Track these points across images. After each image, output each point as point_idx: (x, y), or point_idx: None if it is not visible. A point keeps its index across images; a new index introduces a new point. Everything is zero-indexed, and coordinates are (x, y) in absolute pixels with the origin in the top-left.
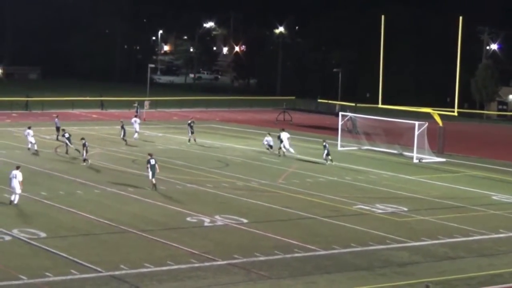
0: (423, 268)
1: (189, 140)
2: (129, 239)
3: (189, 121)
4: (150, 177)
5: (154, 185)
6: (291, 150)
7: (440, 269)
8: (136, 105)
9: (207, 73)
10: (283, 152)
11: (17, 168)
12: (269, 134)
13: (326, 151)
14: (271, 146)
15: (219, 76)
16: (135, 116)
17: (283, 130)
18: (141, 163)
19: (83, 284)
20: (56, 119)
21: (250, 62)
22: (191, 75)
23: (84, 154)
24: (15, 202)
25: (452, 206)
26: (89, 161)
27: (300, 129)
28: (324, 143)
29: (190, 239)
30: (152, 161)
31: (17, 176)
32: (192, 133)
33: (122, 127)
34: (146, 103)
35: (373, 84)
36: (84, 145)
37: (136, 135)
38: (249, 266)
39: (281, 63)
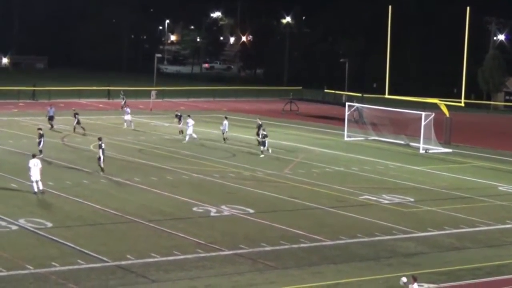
0: (429, 259)
1: (182, 132)
2: (136, 229)
3: (177, 112)
4: (102, 160)
5: (102, 168)
6: (194, 135)
7: (446, 260)
8: (122, 94)
9: (219, 63)
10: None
11: (34, 156)
12: (226, 117)
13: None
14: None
15: (232, 67)
16: (126, 106)
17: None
18: (148, 153)
19: (89, 274)
20: (49, 108)
21: (257, 52)
22: (204, 65)
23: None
24: (41, 188)
25: (459, 196)
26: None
27: (306, 119)
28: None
29: (197, 229)
30: (103, 145)
31: (37, 164)
32: (180, 124)
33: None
34: (153, 93)
35: (380, 75)
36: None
37: (125, 124)
38: (255, 256)
39: (288, 53)
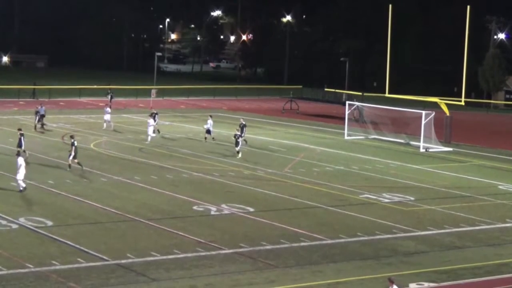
0: (429, 258)
1: (158, 131)
2: (136, 227)
3: (153, 111)
4: (72, 157)
5: (79, 163)
6: (152, 134)
7: (446, 259)
8: (109, 92)
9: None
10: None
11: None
12: (210, 116)
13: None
14: (209, 131)
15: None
16: (107, 105)
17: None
18: (148, 152)
19: (89, 273)
20: (39, 107)
21: (257, 51)
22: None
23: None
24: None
25: (459, 195)
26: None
27: (307, 118)
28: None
29: (197, 228)
30: (76, 143)
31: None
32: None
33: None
34: (153, 92)
35: (380, 73)
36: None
37: (105, 124)
38: (255, 255)
39: (288, 52)
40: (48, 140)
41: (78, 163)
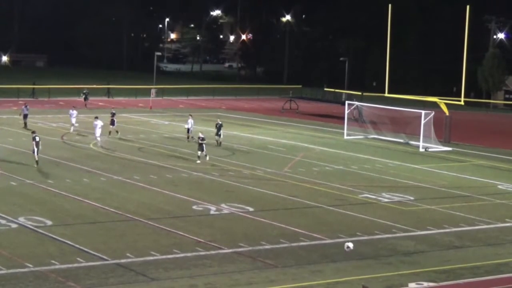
0: (428, 257)
1: (110, 133)
2: (135, 227)
3: (113, 111)
4: (36, 153)
5: (37, 161)
6: (98, 138)
7: (445, 258)
8: (85, 92)
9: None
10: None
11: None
12: (190, 115)
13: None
14: (188, 130)
15: (240, 65)
16: (74, 108)
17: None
18: (148, 151)
19: (89, 272)
20: (24, 107)
21: (257, 51)
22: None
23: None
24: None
25: (458, 195)
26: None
27: (306, 117)
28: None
29: (196, 228)
30: (37, 138)
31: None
32: (113, 124)
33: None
34: (153, 91)
35: (380, 73)
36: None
37: (72, 128)
38: (255, 255)
39: (288, 51)
40: (47, 140)
41: (36, 161)
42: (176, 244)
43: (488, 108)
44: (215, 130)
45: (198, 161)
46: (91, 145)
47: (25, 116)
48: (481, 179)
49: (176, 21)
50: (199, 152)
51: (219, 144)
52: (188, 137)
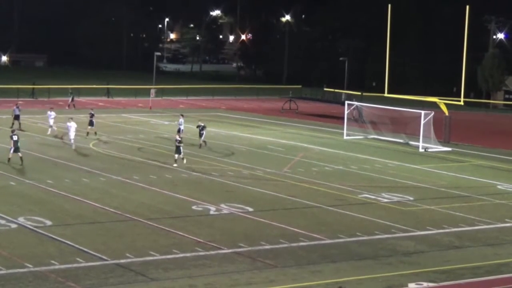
0: (428, 258)
1: (88, 134)
2: (135, 227)
3: (91, 111)
4: (12, 151)
5: (20, 158)
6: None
7: (445, 259)
8: (71, 92)
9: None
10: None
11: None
12: (182, 115)
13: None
14: (179, 130)
15: (239, 65)
16: (51, 109)
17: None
18: (147, 151)
19: (88, 272)
20: (15, 107)
21: (256, 51)
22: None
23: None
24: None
25: (458, 195)
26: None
27: (306, 117)
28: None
29: (196, 228)
30: (15, 137)
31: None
32: (91, 125)
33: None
34: (152, 91)
35: (380, 73)
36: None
37: (50, 130)
38: (254, 255)
39: (287, 51)
40: (47, 140)
41: (21, 158)
42: (176, 244)
43: (488, 108)
44: (198, 132)
45: (175, 165)
46: (90, 145)
47: (17, 117)
48: (480, 179)
49: (176, 21)
50: (176, 155)
51: (202, 145)
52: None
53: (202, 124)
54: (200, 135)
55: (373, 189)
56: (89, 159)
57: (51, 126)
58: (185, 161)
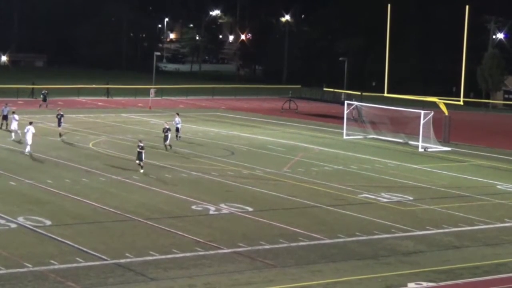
0: (428, 257)
1: (60, 135)
2: (135, 227)
3: (60, 112)
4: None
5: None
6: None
7: (445, 258)
8: (44, 92)
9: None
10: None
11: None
12: (177, 114)
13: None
14: (177, 129)
15: (239, 65)
16: (13, 113)
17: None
18: (147, 151)
19: (88, 272)
20: (4, 107)
21: (256, 51)
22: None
23: None
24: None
25: (457, 195)
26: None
27: (305, 117)
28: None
29: (195, 227)
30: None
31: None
32: (59, 126)
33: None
34: (152, 91)
35: (379, 73)
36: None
37: (13, 135)
38: (254, 255)
39: (287, 51)
40: (47, 140)
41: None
42: (175, 244)
43: (487, 108)
44: (163, 136)
45: (141, 170)
46: (90, 145)
47: (5, 117)
48: (480, 179)
49: (176, 21)
50: (137, 161)
51: (167, 148)
52: (176, 136)
53: (168, 127)
54: (165, 138)
55: (373, 189)
56: (89, 159)
57: (13, 131)
58: (142, 170)
